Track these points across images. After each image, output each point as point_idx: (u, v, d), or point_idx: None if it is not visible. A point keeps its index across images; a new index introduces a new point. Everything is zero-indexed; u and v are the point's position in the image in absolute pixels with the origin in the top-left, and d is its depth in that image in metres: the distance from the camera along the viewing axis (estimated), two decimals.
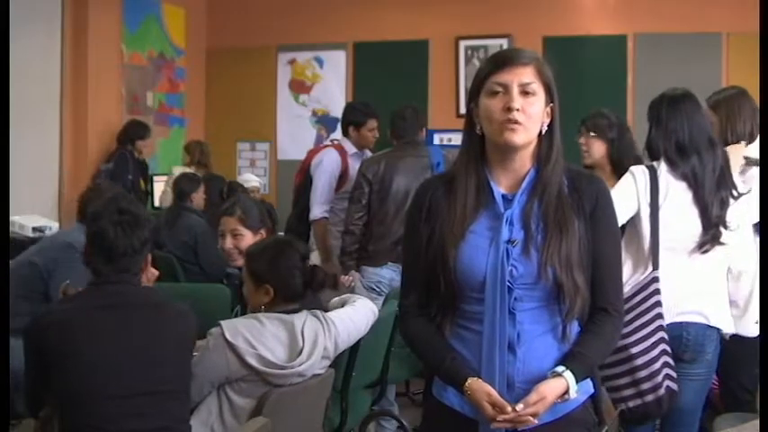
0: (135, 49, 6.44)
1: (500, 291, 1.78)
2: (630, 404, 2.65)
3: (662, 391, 2.65)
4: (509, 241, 1.80)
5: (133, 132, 5.96)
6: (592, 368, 1.86)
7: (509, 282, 1.78)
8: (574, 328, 1.85)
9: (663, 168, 2.78)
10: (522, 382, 1.78)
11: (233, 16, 7.12)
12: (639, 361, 2.64)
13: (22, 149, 5.08)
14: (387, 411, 3.98)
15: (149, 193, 6.13)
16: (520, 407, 1.72)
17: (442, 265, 1.81)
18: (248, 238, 3.13)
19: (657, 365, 2.65)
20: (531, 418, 1.73)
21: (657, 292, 2.70)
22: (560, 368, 1.77)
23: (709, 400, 3.09)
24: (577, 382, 1.78)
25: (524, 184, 1.84)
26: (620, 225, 2.69)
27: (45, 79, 5.82)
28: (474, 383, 1.77)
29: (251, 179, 6.19)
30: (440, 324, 1.87)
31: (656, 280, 2.71)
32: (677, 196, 2.75)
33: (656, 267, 2.73)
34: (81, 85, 5.99)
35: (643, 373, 2.64)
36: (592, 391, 1.90)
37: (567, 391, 1.76)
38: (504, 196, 1.84)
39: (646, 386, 2.64)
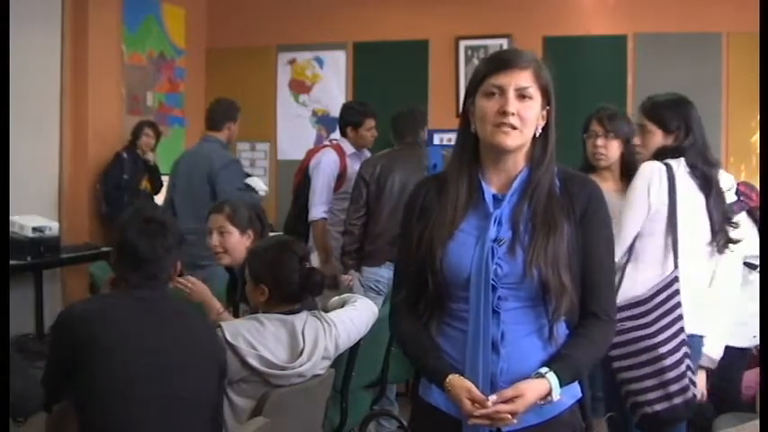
0: (135, 49, 6.43)
1: (484, 289, 1.77)
2: (657, 407, 2.56)
3: (690, 393, 2.56)
4: (495, 240, 1.79)
5: (137, 132, 5.98)
6: (579, 372, 1.83)
7: (493, 280, 1.77)
8: (561, 330, 1.83)
9: (681, 168, 2.72)
10: (506, 382, 1.76)
11: (233, 16, 7.12)
12: (668, 361, 2.57)
13: (22, 149, 5.07)
14: (387, 411, 3.98)
15: (149, 194, 6.09)
16: (493, 398, 1.70)
17: (430, 263, 1.81)
18: (235, 237, 3.13)
19: (683, 367, 2.58)
20: (509, 416, 1.70)
21: (678, 292, 2.63)
22: (543, 369, 1.75)
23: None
24: (562, 385, 1.75)
25: (515, 185, 1.84)
26: (637, 228, 2.68)
27: (45, 79, 5.81)
28: (455, 380, 1.76)
29: (253, 184, 6.10)
30: (427, 322, 1.87)
31: (676, 280, 2.64)
32: (694, 198, 2.72)
33: (676, 267, 2.66)
34: (81, 85, 5.98)
35: (671, 375, 2.57)
36: (579, 395, 1.87)
37: (549, 393, 1.74)
38: (494, 196, 1.84)
39: (674, 388, 2.57)
